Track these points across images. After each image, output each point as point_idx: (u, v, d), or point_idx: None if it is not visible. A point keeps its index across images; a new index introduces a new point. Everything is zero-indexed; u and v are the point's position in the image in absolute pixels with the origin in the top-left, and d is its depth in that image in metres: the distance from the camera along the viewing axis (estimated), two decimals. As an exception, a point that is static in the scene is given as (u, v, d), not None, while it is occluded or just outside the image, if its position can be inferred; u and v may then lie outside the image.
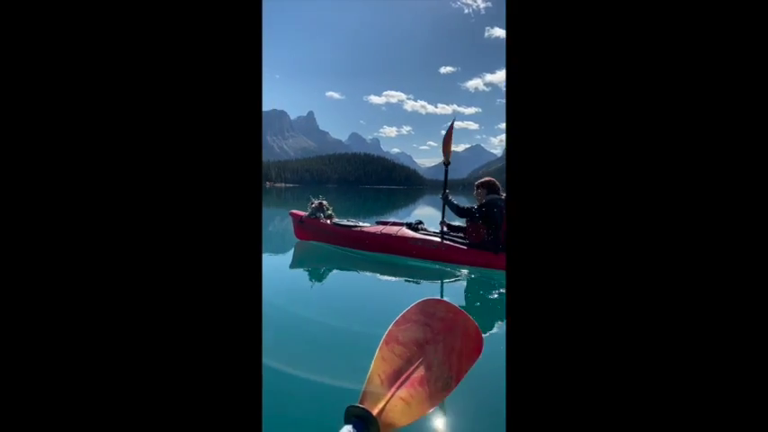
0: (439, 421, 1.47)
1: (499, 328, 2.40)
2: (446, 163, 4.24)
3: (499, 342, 2.05)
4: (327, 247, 4.91)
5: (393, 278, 3.72)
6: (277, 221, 10.22)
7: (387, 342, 0.98)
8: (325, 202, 5.15)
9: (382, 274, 3.82)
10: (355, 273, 4.02)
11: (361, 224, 4.81)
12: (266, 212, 13.64)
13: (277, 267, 4.51)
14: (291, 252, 5.00)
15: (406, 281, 3.66)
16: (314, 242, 5.12)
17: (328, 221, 5.00)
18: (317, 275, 3.99)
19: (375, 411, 0.82)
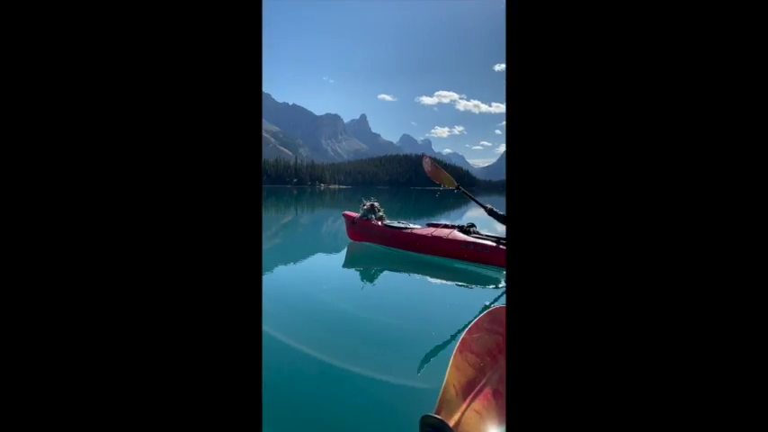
0: None
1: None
2: (457, 188, 4.21)
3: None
4: (378, 247, 5.00)
5: (444, 281, 3.69)
6: (330, 222, 10.59)
7: (460, 350, 0.95)
8: (376, 204, 5.24)
9: (432, 276, 3.80)
10: (406, 275, 4.04)
11: (411, 226, 4.83)
12: (320, 213, 14.21)
13: (331, 267, 4.69)
14: (344, 252, 5.16)
15: (457, 285, 3.61)
16: (366, 243, 5.24)
17: (380, 223, 5.09)
18: (369, 276, 4.08)
19: (452, 423, 0.81)
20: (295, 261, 4.97)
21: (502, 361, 0.96)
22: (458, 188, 4.23)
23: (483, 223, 4.81)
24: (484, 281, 3.68)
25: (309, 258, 5.17)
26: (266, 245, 6.57)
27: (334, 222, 9.63)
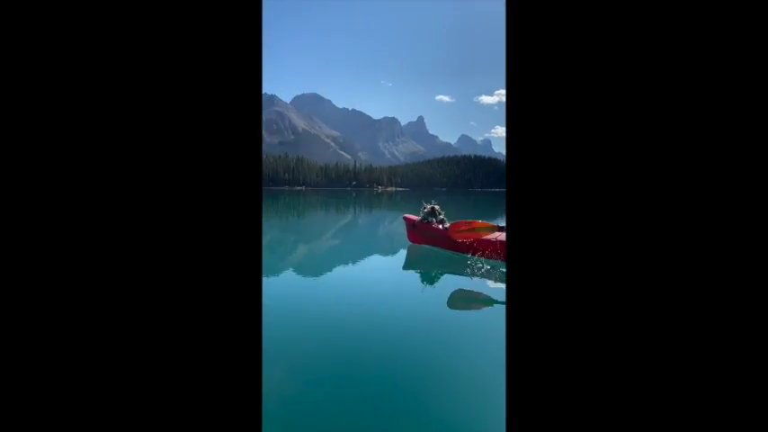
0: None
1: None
2: (498, 229, 4.32)
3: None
4: (439, 251, 4.92)
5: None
6: (387, 223, 10.69)
7: None
8: (437, 207, 5.18)
9: (496, 281, 3.64)
10: (468, 278, 3.92)
11: (474, 229, 4.68)
12: (377, 215, 14.43)
13: (389, 268, 4.72)
14: (404, 254, 5.16)
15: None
16: (426, 246, 5.20)
17: (441, 226, 5.01)
18: (429, 278, 4.03)
19: None
20: (353, 261, 5.09)
21: None
22: (498, 228, 4.33)
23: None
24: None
25: (367, 259, 5.26)
26: (326, 245, 6.83)
27: (391, 224, 9.70)
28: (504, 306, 2.98)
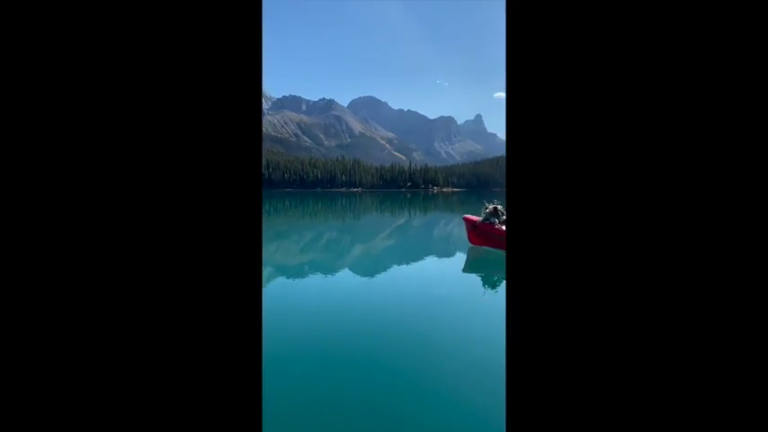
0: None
1: None
2: None
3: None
4: (503, 253, 4.67)
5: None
6: (442, 225, 10.47)
7: None
8: (500, 207, 4.93)
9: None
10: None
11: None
12: (433, 216, 14.22)
13: (447, 270, 4.57)
14: (464, 256, 4.98)
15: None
16: (487, 248, 4.97)
17: (503, 227, 4.76)
18: (491, 283, 3.82)
19: None
20: (408, 263, 5.02)
21: None
22: None
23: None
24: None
25: (424, 260, 5.16)
26: (380, 246, 6.84)
27: (446, 225, 9.47)
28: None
